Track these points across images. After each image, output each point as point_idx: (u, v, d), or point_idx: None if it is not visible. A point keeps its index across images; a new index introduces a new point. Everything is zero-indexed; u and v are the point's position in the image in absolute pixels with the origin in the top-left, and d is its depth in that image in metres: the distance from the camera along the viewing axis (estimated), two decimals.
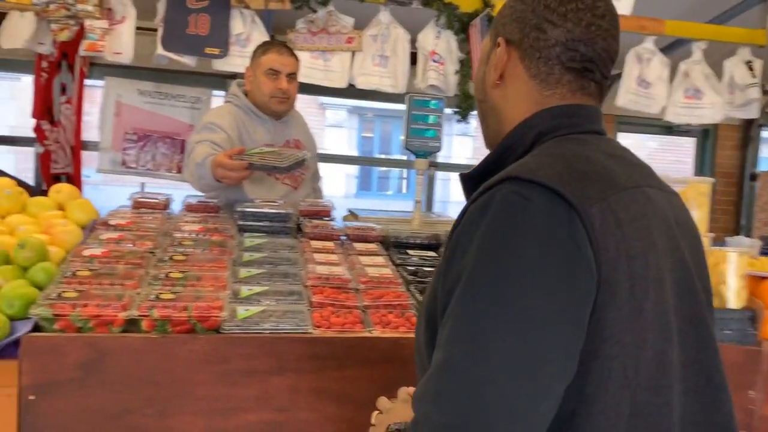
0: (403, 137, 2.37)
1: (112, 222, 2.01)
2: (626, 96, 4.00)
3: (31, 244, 1.68)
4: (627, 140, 5.49)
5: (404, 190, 15.13)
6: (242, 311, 1.60)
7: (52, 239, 1.84)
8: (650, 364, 0.84)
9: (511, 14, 1.00)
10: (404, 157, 14.16)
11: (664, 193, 0.96)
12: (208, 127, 2.52)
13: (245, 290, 1.73)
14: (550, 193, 0.82)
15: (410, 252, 2.20)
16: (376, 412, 1.09)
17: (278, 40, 2.76)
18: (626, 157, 0.97)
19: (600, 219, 0.82)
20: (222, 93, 4.96)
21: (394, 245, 2.25)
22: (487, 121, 1.07)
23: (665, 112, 4.06)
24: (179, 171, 4.73)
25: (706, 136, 5.95)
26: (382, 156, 14.59)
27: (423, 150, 2.36)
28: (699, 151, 6.09)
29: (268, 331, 1.56)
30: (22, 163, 9.18)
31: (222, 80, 4.84)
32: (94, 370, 1.46)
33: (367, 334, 1.61)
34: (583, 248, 0.80)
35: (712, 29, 4.09)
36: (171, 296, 1.55)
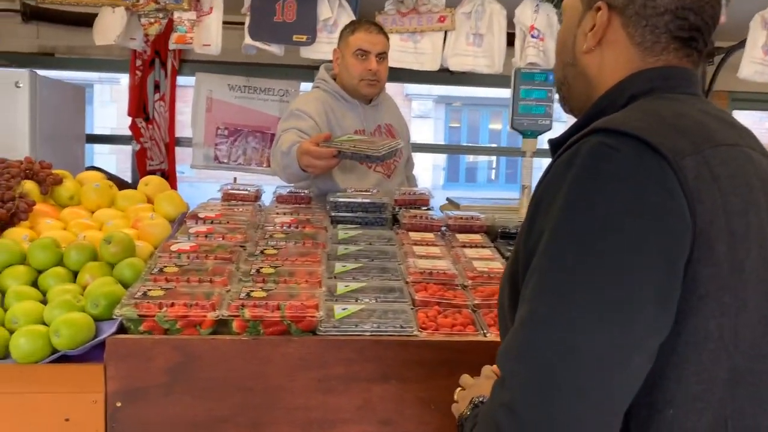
0: (509, 116, 2.14)
1: (202, 215, 1.90)
2: (750, 67, 3.57)
3: (117, 240, 1.59)
4: (738, 117, 4.98)
5: (494, 179, 14.74)
6: (339, 310, 1.44)
7: (140, 233, 1.75)
8: (753, 329, 0.81)
9: None
10: (494, 145, 13.84)
11: (765, 158, 0.90)
12: (295, 114, 2.40)
13: (341, 287, 1.57)
14: (640, 144, 0.78)
15: None
16: (459, 389, 1.06)
17: (362, 19, 2.59)
18: (725, 118, 0.92)
19: (694, 171, 0.79)
20: (309, 84, 4.89)
21: (501, 236, 2.03)
22: (573, 85, 1.03)
23: None
24: (269, 165, 4.71)
25: None
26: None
27: (532, 129, 2.12)
28: None
29: (368, 333, 1.39)
30: (122, 162, 9.59)
31: (310, 71, 4.76)
32: (181, 375, 1.34)
33: (481, 338, 1.40)
34: (675, 197, 0.77)
35: None
36: (263, 294, 1.41)
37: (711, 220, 0.78)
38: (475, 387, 1.05)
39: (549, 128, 2.12)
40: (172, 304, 1.36)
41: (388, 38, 2.48)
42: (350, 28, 2.49)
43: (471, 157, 14.56)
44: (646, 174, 0.77)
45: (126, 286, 1.50)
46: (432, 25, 3.45)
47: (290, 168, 2.21)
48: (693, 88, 0.95)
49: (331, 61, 2.58)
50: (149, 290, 1.40)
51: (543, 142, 2.28)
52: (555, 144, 1.00)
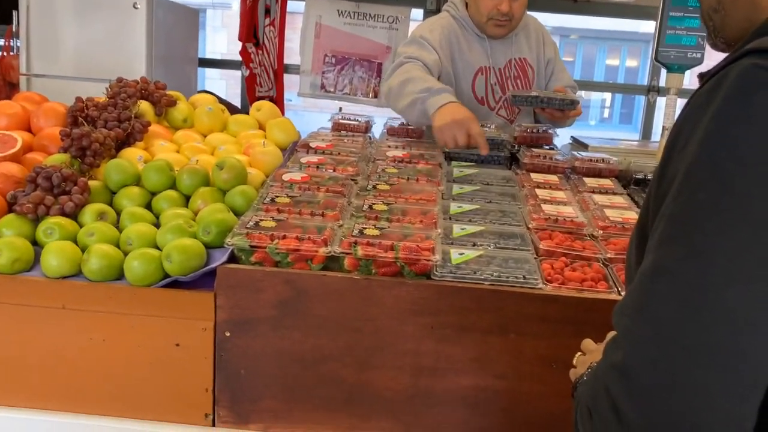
0: (653, 46, 1.89)
1: (313, 144, 1.83)
2: None
3: (230, 166, 1.54)
4: None
5: (606, 117, 13.92)
6: (456, 255, 1.33)
7: (252, 160, 1.70)
8: None
9: None
10: (611, 82, 13.01)
11: None
12: (419, 42, 2.21)
13: (457, 229, 1.46)
14: None
15: None
16: (579, 353, 0.97)
17: None
18: None
19: None
20: (420, 11, 4.69)
21: (635, 183, 1.83)
22: (731, 10, 0.85)
23: None
24: (375, 96, 4.61)
25: None
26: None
27: (680, 62, 1.87)
28: None
29: (488, 282, 1.27)
30: (232, 88, 9.79)
31: None
32: (291, 309, 1.29)
33: (615, 296, 1.26)
34: None
35: None
36: (376, 232, 1.32)
37: None
38: (597, 353, 0.94)
39: (700, 62, 1.86)
40: (284, 237, 1.30)
41: None
42: None
43: (583, 94, 13.79)
44: None
45: (237, 213, 1.46)
46: None
47: (414, 115, 2.00)
48: None
49: None
50: (261, 220, 1.35)
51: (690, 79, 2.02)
52: (705, 77, 0.85)
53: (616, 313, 0.71)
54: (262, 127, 1.95)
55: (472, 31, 2.27)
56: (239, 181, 1.54)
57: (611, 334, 0.95)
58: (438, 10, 4.63)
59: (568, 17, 7.60)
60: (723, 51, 0.90)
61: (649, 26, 4.45)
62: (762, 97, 0.65)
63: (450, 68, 2.23)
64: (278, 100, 4.75)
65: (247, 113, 2.03)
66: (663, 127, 1.93)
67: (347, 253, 1.27)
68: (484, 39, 2.28)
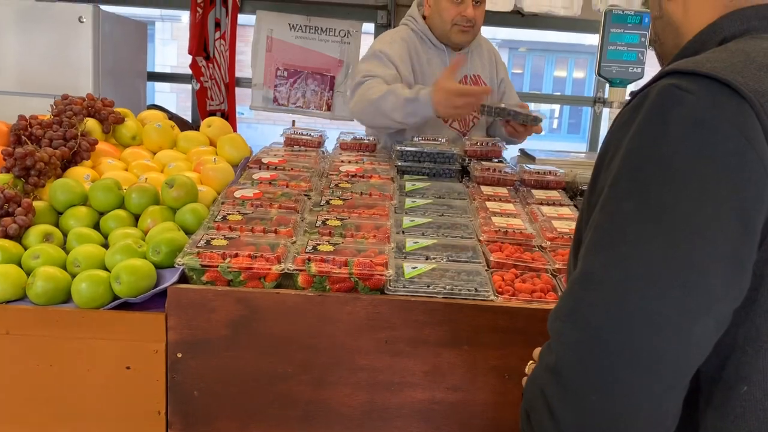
0: (596, 62, 1.96)
1: (265, 160, 1.82)
2: None
3: (180, 183, 1.53)
4: None
5: (555, 128, 14.25)
6: (410, 269, 1.35)
7: (203, 177, 1.68)
8: None
9: None
10: (558, 94, 13.30)
11: None
12: (378, 56, 2.23)
13: (410, 243, 1.47)
14: (718, 85, 0.70)
15: None
16: (531, 362, 1.00)
17: None
18: None
19: None
20: (371, 26, 4.73)
21: (581, 193, 1.89)
22: (663, 40, 0.95)
23: None
24: (329, 108, 4.62)
25: None
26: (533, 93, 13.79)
27: (621, 77, 1.93)
28: None
29: (441, 296, 1.29)
30: (183, 101, 9.65)
31: (372, 12, 4.60)
32: (244, 329, 1.28)
33: None
34: (756, 144, 0.67)
35: None
36: (329, 248, 1.32)
37: None
38: None
39: (640, 76, 1.93)
40: (236, 255, 1.29)
41: None
42: None
43: (533, 105, 14.09)
44: (723, 118, 0.68)
45: (188, 232, 1.45)
46: None
47: (414, 115, 2.04)
48: None
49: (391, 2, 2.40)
50: (212, 239, 1.34)
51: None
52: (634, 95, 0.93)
53: (550, 318, 0.75)
54: (213, 144, 1.94)
55: (431, 43, 2.31)
56: (190, 198, 1.53)
57: None
58: (389, 25, 4.69)
59: (516, 30, 7.77)
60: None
61: (594, 39, 4.59)
62: (677, 114, 0.69)
63: (411, 79, 2.26)
64: (230, 114, 4.71)
65: (198, 127, 2.01)
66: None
67: (301, 270, 1.27)
68: (443, 52, 2.31)
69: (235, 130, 4.69)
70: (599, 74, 1.95)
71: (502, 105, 2.11)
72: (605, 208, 0.72)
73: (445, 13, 2.21)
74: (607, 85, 2.02)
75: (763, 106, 0.69)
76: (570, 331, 0.69)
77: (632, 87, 1.98)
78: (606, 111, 4.66)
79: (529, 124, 2.15)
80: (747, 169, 0.67)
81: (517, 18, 3.95)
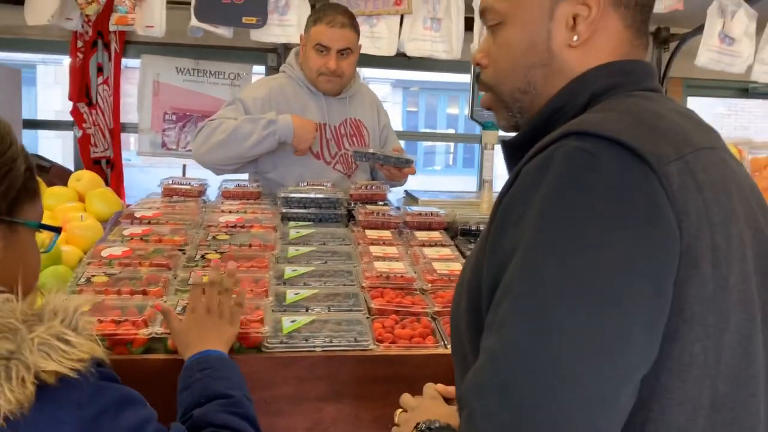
0: (468, 112, 2.03)
1: (138, 214, 1.75)
2: (707, 55, 3.55)
3: (41, 244, 1.43)
4: (691, 103, 5.04)
5: (451, 164, 14.72)
6: (288, 323, 1.32)
7: (68, 237, 1.59)
8: (734, 351, 0.73)
9: None
10: (452, 131, 13.80)
11: (733, 160, 0.83)
12: (235, 104, 2.27)
13: (291, 295, 1.45)
14: (621, 149, 0.70)
15: None
16: (399, 410, 0.99)
17: (336, 4, 2.37)
18: (693, 116, 0.85)
19: (678, 180, 0.71)
20: (262, 68, 4.71)
21: (461, 233, 1.93)
22: (543, 90, 0.89)
23: (751, 72, 3.61)
24: None
25: None
26: (428, 130, 14.21)
27: (493, 120, 2.01)
28: None
29: (320, 349, 1.27)
30: (68, 147, 9.20)
31: (262, 54, 4.58)
32: None
33: (442, 350, 1.30)
34: (662, 210, 0.69)
35: None
36: None
37: (696, 234, 0.71)
38: (419, 410, 0.98)
39: None
40: (100, 321, 1.21)
41: (357, 30, 2.28)
42: (313, 16, 2.28)
43: (429, 142, 14.49)
44: (630, 183, 0.69)
45: None
46: (388, 8, 3.31)
47: (236, 146, 2.14)
48: (654, 82, 0.88)
49: (282, 45, 2.43)
50: (59, 294, 1.25)
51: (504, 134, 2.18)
52: (512, 146, 0.91)
53: (469, 393, 0.70)
54: (82, 199, 1.84)
55: (308, 88, 2.32)
56: (52, 261, 1.43)
57: (429, 387, 1.01)
58: (279, 67, 4.69)
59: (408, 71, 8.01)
60: (516, 131, 0.92)
61: None
62: (587, 180, 0.70)
63: None
64: (116, 161, 4.52)
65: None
66: (483, 180, 2.06)
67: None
68: (320, 97, 2.33)
69: (122, 177, 4.52)
70: (472, 118, 2.02)
71: (372, 150, 2.19)
72: (523, 276, 0.70)
73: (311, 63, 2.26)
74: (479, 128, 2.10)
75: (662, 170, 0.70)
76: (499, 409, 0.66)
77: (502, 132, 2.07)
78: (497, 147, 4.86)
79: (402, 167, 2.23)
80: (659, 235, 0.69)
81: (404, 60, 4.07)
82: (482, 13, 0.94)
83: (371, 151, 2.24)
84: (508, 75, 0.91)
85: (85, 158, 4.35)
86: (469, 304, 0.82)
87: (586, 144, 0.71)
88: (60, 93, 11.19)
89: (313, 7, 3.29)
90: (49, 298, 0.82)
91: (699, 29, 3.60)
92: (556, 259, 0.68)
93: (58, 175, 4.31)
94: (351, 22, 2.25)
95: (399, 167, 2.25)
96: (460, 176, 12.80)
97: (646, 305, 0.67)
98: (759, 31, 3.55)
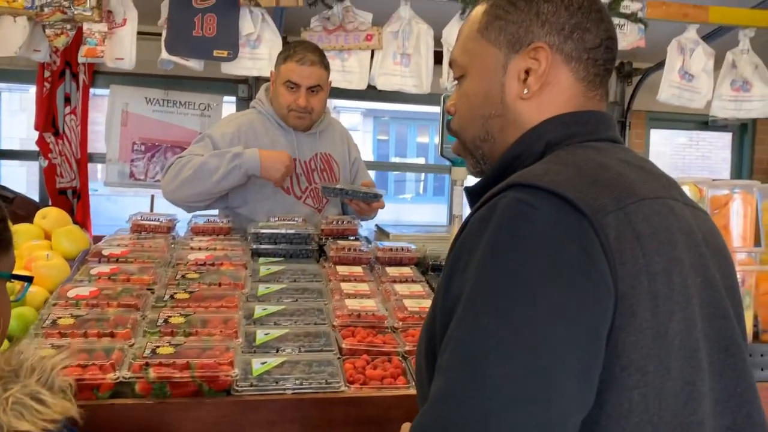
0: (437, 143, 2.06)
1: (106, 252, 1.73)
2: (668, 90, 3.68)
3: (11, 291, 1.40)
4: (654, 136, 5.19)
5: (422, 192, 14.82)
6: (258, 365, 1.31)
7: (34, 276, 1.55)
8: (677, 397, 0.75)
9: (536, 16, 0.91)
10: (422, 159, 13.88)
11: (690, 209, 0.86)
12: (204, 140, 2.27)
13: (261, 335, 1.44)
14: (558, 200, 0.73)
15: None
16: None
17: (306, 42, 2.38)
18: (646, 167, 0.88)
19: (616, 230, 0.73)
20: (233, 99, 4.71)
21: (432, 269, 1.95)
22: (499, 139, 0.94)
23: (710, 107, 3.75)
24: None
25: (744, 130, 5.59)
26: (397, 159, 14.32)
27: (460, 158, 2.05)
28: (736, 147, 5.72)
29: (290, 391, 1.26)
30: (32, 176, 9.01)
31: (233, 85, 4.60)
32: None
33: (413, 391, 1.30)
34: (596, 260, 0.72)
35: (762, 15, 3.75)
36: (170, 350, 1.26)
37: (633, 283, 0.73)
38: None
39: None
40: (65, 366, 1.19)
41: (327, 67, 2.30)
42: (284, 54, 2.30)
43: (396, 175, 14.60)
44: (565, 234, 0.72)
45: (14, 341, 1.32)
46: (359, 44, 3.36)
47: (203, 181, 2.12)
48: (611, 132, 0.91)
49: (253, 78, 2.45)
50: (38, 348, 1.23)
51: None
52: (472, 193, 0.95)
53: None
54: (48, 237, 1.81)
55: (278, 124, 2.33)
56: (15, 302, 1.40)
57: (406, 426, 0.98)
58: (250, 98, 4.69)
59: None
60: (482, 176, 0.97)
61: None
62: (524, 230, 0.73)
63: None
64: (82, 191, 4.45)
65: (47, 206, 1.87)
66: (453, 215, 2.09)
67: (138, 378, 1.20)
68: (290, 132, 2.34)
69: (88, 207, 4.45)
70: (442, 155, 2.05)
71: (339, 186, 2.21)
72: (464, 322, 0.73)
73: (281, 99, 2.27)
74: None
75: (599, 221, 0.73)
76: None
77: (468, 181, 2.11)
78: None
79: (371, 201, 2.26)
80: (592, 286, 0.71)
81: (376, 93, 4.12)
82: (450, 65, 1.00)
83: (339, 186, 2.26)
84: (468, 124, 0.97)
85: (51, 188, 4.29)
86: (427, 348, 0.85)
87: (526, 195, 0.75)
88: (25, 120, 11.02)
89: (284, 39, 3.33)
90: (27, 352, 0.81)
91: (660, 64, 3.73)
92: (492, 308, 0.71)
93: (22, 206, 4.22)
94: (321, 60, 2.27)
95: (368, 202, 2.26)
96: (430, 204, 12.89)
97: (579, 353, 0.69)
98: (716, 67, 3.69)
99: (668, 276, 0.75)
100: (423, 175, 14.73)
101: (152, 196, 5.03)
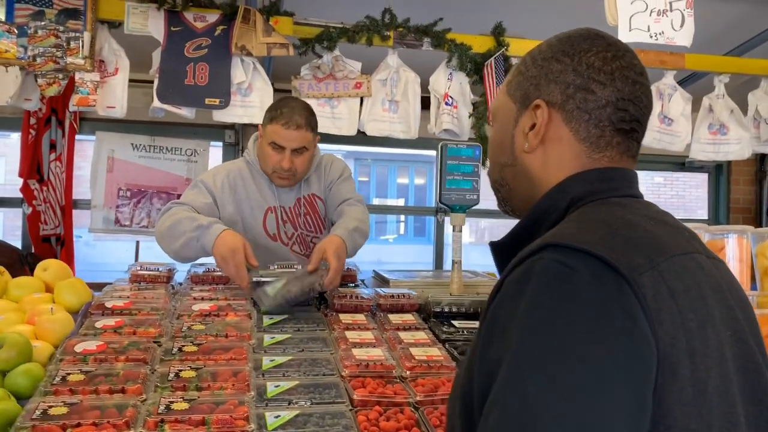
0: (436, 190, 2.10)
1: (109, 304, 1.71)
2: (649, 134, 3.79)
3: (11, 342, 1.39)
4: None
5: (403, 233, 14.86)
6: (272, 419, 1.30)
7: (38, 331, 1.54)
8: None
9: (545, 75, 0.94)
10: (401, 200, 13.91)
11: (710, 260, 0.87)
12: (198, 186, 2.27)
13: (271, 387, 1.43)
14: (596, 261, 0.74)
15: (455, 323, 1.91)
16: None
17: (294, 102, 2.30)
18: (668, 221, 0.89)
19: (652, 289, 0.74)
20: (220, 144, 4.73)
21: (434, 315, 1.96)
22: (513, 186, 1.00)
23: (690, 150, 3.87)
24: None
25: (719, 171, 5.76)
26: (377, 200, 14.39)
27: (460, 203, 2.09)
28: (713, 187, 5.88)
29: None
30: (11, 221, 8.86)
31: (220, 131, 4.63)
32: None
33: None
34: (638, 321, 0.72)
35: (734, 62, 3.92)
36: (185, 406, 1.25)
37: (672, 341, 0.74)
38: None
39: (476, 202, 2.10)
40: (78, 425, 1.17)
41: (314, 128, 2.24)
42: (270, 114, 2.23)
43: (377, 216, 14.65)
44: (607, 296, 0.72)
45: (22, 398, 1.30)
46: (348, 91, 3.43)
47: (192, 247, 2.00)
48: (634, 189, 0.93)
49: (242, 125, 2.45)
50: (50, 407, 1.21)
51: (470, 214, 2.26)
52: (497, 247, 0.97)
53: None
54: (49, 290, 1.79)
55: (263, 175, 2.33)
56: (22, 358, 1.39)
57: None
58: (237, 144, 4.73)
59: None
60: (512, 216, 1.03)
61: (431, 152, 4.96)
62: (565, 294, 0.73)
63: (233, 209, 2.27)
64: (66, 238, 4.39)
65: (31, 253, 1.85)
66: (453, 261, 2.11)
67: None
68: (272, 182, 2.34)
69: (72, 254, 4.39)
70: (441, 202, 2.09)
71: (254, 279, 1.91)
72: (508, 386, 0.72)
73: (267, 159, 2.23)
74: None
75: (636, 281, 0.73)
76: None
77: (474, 209, 2.12)
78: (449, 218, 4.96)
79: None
80: (636, 348, 0.71)
81: (361, 137, 4.18)
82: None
83: (254, 279, 1.92)
84: (491, 168, 1.05)
85: (34, 235, 4.23)
86: (463, 410, 0.84)
87: (562, 256, 0.75)
88: (3, 165, 10.89)
89: (273, 86, 3.38)
90: None
91: None
92: (539, 374, 0.70)
93: (3, 253, 4.16)
94: (307, 122, 2.20)
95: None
96: (412, 245, 12.93)
97: (629, 415, 0.69)
98: (694, 109, 3.82)
99: (703, 332, 0.76)
100: (403, 216, 14.82)
101: (137, 243, 5.00)
